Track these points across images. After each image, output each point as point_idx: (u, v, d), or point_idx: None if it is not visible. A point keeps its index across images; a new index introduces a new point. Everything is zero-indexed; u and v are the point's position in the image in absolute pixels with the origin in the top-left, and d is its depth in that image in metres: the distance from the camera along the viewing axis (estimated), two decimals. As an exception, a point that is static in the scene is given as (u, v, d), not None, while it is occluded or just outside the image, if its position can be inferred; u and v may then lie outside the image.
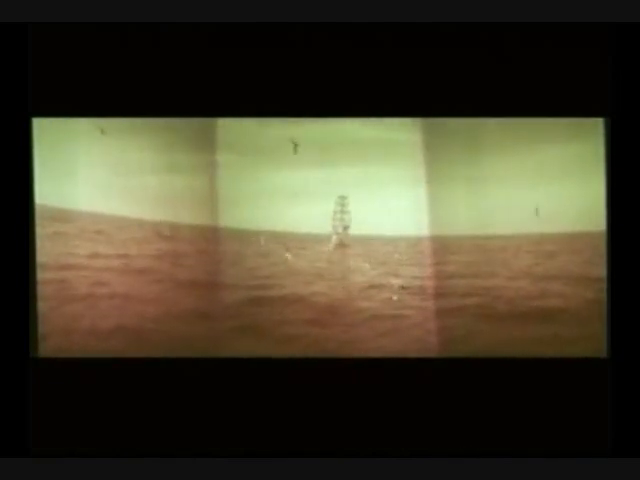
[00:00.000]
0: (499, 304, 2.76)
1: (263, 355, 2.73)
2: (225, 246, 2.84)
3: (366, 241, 2.93)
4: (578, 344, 2.69)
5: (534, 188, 2.76)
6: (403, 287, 2.83)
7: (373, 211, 2.84)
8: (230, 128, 2.79)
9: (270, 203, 2.84)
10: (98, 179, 2.81)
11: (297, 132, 2.78)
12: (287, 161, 2.81)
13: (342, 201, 2.85)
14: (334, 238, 2.93)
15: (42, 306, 2.74)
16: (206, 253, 2.83)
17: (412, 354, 2.73)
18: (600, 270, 2.68)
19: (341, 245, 2.94)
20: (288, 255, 2.90)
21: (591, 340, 2.67)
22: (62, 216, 2.81)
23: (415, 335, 2.76)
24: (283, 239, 2.91)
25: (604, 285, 2.67)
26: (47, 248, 2.76)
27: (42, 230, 2.74)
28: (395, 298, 2.82)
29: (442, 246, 2.82)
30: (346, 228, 2.90)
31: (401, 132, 2.77)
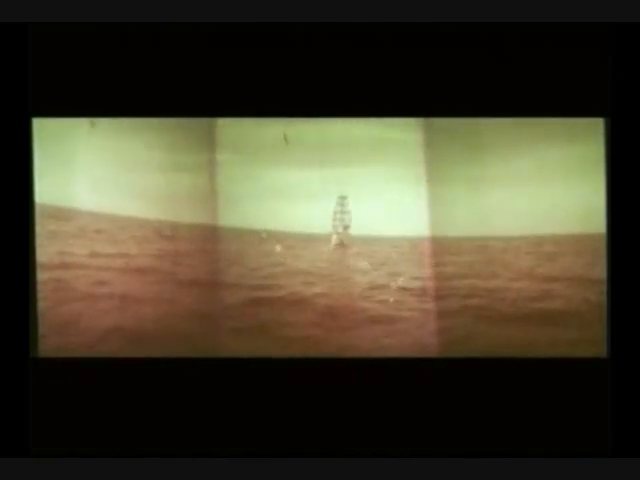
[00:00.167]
0: (500, 305, 2.76)
1: (263, 355, 2.73)
2: (225, 245, 2.84)
3: (366, 241, 2.93)
4: (579, 345, 2.68)
5: (534, 188, 2.76)
6: (404, 288, 2.83)
7: (373, 211, 2.84)
8: (230, 128, 2.78)
9: (270, 203, 2.83)
10: (98, 178, 2.81)
11: (297, 132, 2.78)
12: (287, 161, 2.81)
13: (342, 201, 2.85)
14: (334, 238, 2.93)
15: (41, 306, 2.74)
16: (206, 252, 2.83)
17: (412, 354, 2.73)
18: (601, 271, 2.68)
19: (341, 245, 2.94)
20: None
21: (592, 341, 2.67)
22: (62, 215, 2.81)
23: (415, 336, 2.76)
24: (281, 237, 2.91)
25: (604, 285, 2.67)
26: (47, 247, 2.76)
27: (42, 229, 2.75)
28: (395, 299, 2.82)
29: (442, 246, 2.82)
30: (346, 228, 2.90)
31: (401, 132, 2.77)
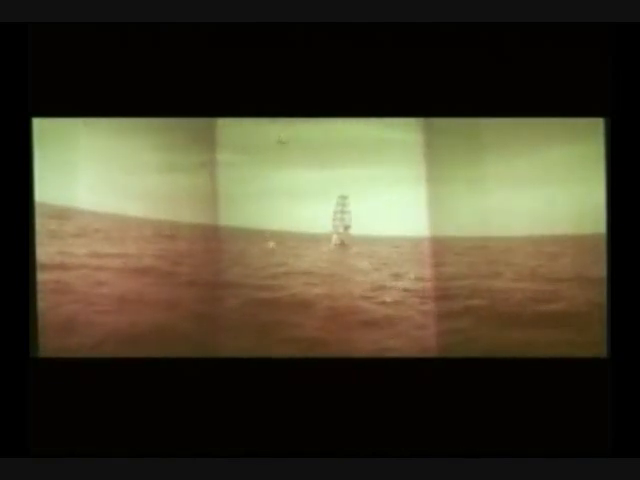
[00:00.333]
0: (501, 306, 2.76)
1: (263, 355, 2.73)
2: (225, 245, 2.84)
3: (367, 241, 2.93)
4: (581, 346, 2.68)
5: (535, 189, 2.76)
6: (406, 289, 2.83)
7: (374, 211, 2.84)
8: (230, 128, 2.78)
9: (270, 203, 2.83)
10: (98, 178, 2.81)
11: (298, 132, 2.78)
12: (287, 161, 2.81)
13: (343, 201, 2.85)
14: (335, 238, 2.93)
15: (41, 306, 2.73)
16: (206, 252, 2.83)
17: (413, 354, 2.73)
18: (601, 271, 2.68)
19: (342, 245, 2.94)
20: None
21: (592, 341, 2.67)
22: (62, 215, 2.80)
23: (416, 336, 2.76)
24: (281, 238, 2.91)
25: (604, 285, 2.67)
26: (47, 247, 2.76)
27: (42, 229, 2.74)
28: (396, 299, 2.82)
29: (443, 246, 2.82)
30: (347, 228, 2.90)
31: (402, 132, 2.77)
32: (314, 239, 2.93)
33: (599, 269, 2.69)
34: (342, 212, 2.87)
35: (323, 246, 2.93)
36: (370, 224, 2.88)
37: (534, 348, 2.70)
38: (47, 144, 2.74)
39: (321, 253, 2.93)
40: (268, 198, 2.83)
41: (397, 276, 2.86)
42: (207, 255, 2.82)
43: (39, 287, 2.73)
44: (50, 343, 2.73)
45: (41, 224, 2.73)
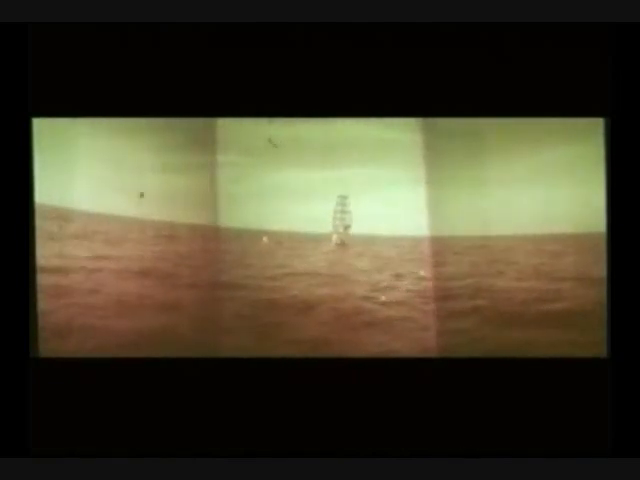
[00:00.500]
0: (502, 305, 2.76)
1: (263, 355, 2.73)
2: (225, 246, 2.84)
3: (367, 241, 2.93)
4: (584, 345, 2.68)
5: (535, 188, 2.76)
6: (407, 289, 2.82)
7: (374, 211, 2.84)
8: (230, 128, 2.78)
9: (270, 203, 2.83)
10: (98, 179, 2.81)
11: (297, 132, 2.78)
12: (288, 161, 2.81)
13: (343, 201, 2.85)
14: (335, 238, 2.93)
15: (41, 307, 2.73)
16: (206, 253, 2.83)
17: (414, 354, 2.73)
18: (601, 271, 2.68)
19: (342, 245, 2.94)
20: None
21: (593, 341, 2.67)
22: (62, 216, 2.80)
23: (419, 337, 2.76)
24: (280, 238, 2.91)
25: (604, 286, 2.66)
26: (47, 247, 2.75)
27: (42, 229, 2.74)
28: (398, 299, 2.82)
29: (443, 246, 2.82)
30: (347, 228, 2.90)
31: (402, 132, 2.77)
32: (314, 239, 2.93)
33: (600, 268, 2.69)
34: (342, 212, 2.87)
35: (323, 246, 2.93)
36: (370, 224, 2.88)
37: (538, 348, 2.70)
38: (46, 145, 2.73)
39: (322, 253, 2.93)
40: (268, 198, 2.83)
41: (399, 276, 2.86)
42: (207, 256, 2.82)
43: (39, 288, 2.73)
44: (48, 343, 2.73)
45: (41, 225, 2.73)
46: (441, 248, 2.81)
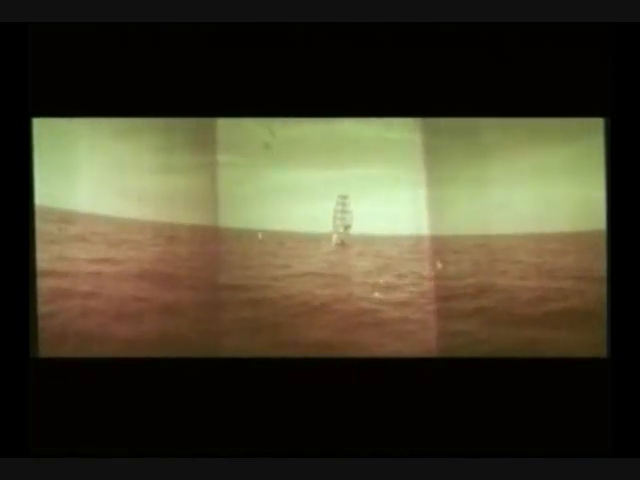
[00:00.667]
0: (503, 304, 2.76)
1: (263, 355, 2.73)
2: (226, 247, 2.84)
3: (368, 240, 2.93)
4: (587, 345, 2.68)
5: (535, 187, 2.76)
6: (409, 289, 2.82)
7: (374, 211, 2.84)
8: (230, 128, 2.78)
9: (271, 203, 2.83)
10: (98, 180, 2.81)
11: (297, 132, 2.78)
12: (288, 161, 2.81)
13: (343, 200, 2.85)
14: (335, 237, 2.93)
15: (41, 307, 2.73)
16: (207, 255, 2.82)
17: (415, 354, 2.73)
18: (601, 270, 2.68)
19: (342, 244, 2.94)
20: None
21: (594, 341, 2.67)
22: (62, 217, 2.80)
23: (419, 336, 2.76)
24: (281, 238, 2.91)
25: (604, 286, 2.67)
26: (47, 248, 2.75)
27: (42, 230, 2.74)
28: (400, 299, 2.82)
29: (444, 246, 2.82)
30: (347, 227, 2.90)
31: (402, 132, 2.77)
32: (315, 239, 2.93)
33: (599, 268, 2.68)
34: (342, 212, 2.87)
35: (324, 246, 2.93)
36: (371, 223, 2.88)
37: (540, 347, 2.70)
38: (46, 146, 2.73)
39: (322, 253, 2.93)
40: (268, 198, 2.83)
41: (400, 276, 2.86)
42: (208, 257, 2.82)
43: (39, 288, 2.73)
44: (48, 345, 2.73)
45: (40, 227, 2.73)
46: (442, 247, 2.81)
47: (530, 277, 2.79)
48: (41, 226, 2.73)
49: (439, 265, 2.79)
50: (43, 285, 2.73)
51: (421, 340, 2.75)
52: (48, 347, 2.73)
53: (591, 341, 2.67)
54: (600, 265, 2.68)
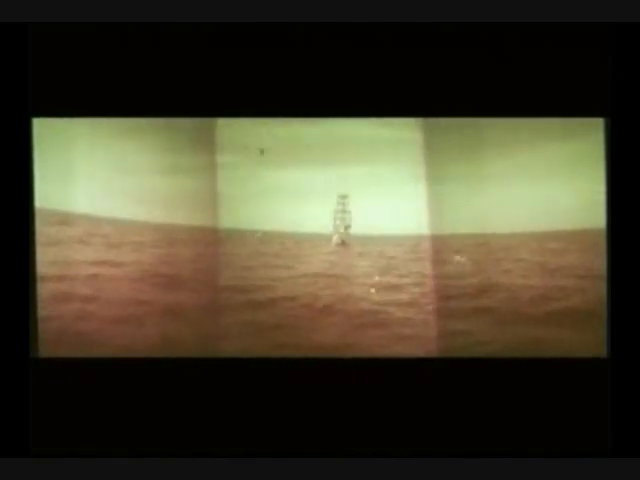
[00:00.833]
0: (506, 304, 2.75)
1: (263, 355, 2.73)
2: (226, 247, 2.83)
3: (368, 240, 2.92)
4: (589, 344, 2.68)
5: (535, 186, 2.76)
6: (411, 289, 2.82)
7: (375, 210, 2.84)
8: (230, 128, 2.78)
9: (271, 203, 2.83)
10: (97, 181, 2.80)
11: (297, 132, 2.78)
12: (288, 161, 2.81)
13: (343, 200, 2.85)
14: (335, 237, 2.93)
15: (41, 308, 2.73)
16: (207, 255, 2.82)
17: (418, 354, 2.73)
18: (601, 269, 2.68)
19: (343, 244, 2.94)
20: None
21: (596, 340, 2.67)
22: (62, 219, 2.80)
23: (420, 335, 2.76)
24: (281, 238, 2.91)
25: (604, 285, 2.67)
26: (46, 249, 2.75)
27: (42, 231, 2.74)
28: (401, 299, 2.82)
29: (444, 245, 2.81)
30: (347, 227, 2.90)
31: (402, 131, 2.77)
32: (315, 239, 2.93)
33: (599, 267, 2.68)
34: (342, 212, 2.87)
35: (324, 246, 2.93)
36: (370, 223, 2.88)
37: (544, 347, 2.69)
38: (46, 148, 2.73)
39: (323, 254, 2.93)
40: (268, 199, 2.82)
41: (402, 276, 2.86)
42: (208, 259, 2.82)
43: (39, 289, 2.73)
44: (48, 346, 2.73)
45: (40, 226, 2.73)
46: (442, 246, 2.81)
47: (532, 276, 2.79)
48: (41, 228, 2.72)
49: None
50: (43, 286, 2.73)
51: (424, 340, 2.75)
52: (48, 348, 2.73)
53: (592, 340, 2.67)
54: (600, 264, 2.68)
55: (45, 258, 2.74)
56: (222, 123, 2.77)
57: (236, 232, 2.85)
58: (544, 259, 2.82)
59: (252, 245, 2.89)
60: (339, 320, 2.79)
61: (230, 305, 2.79)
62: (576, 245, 2.76)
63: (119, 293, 2.78)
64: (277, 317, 2.78)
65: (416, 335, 2.76)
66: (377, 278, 2.86)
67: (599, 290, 2.68)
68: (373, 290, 2.82)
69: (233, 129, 2.78)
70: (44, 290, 2.73)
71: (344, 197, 2.84)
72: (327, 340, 2.76)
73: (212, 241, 2.82)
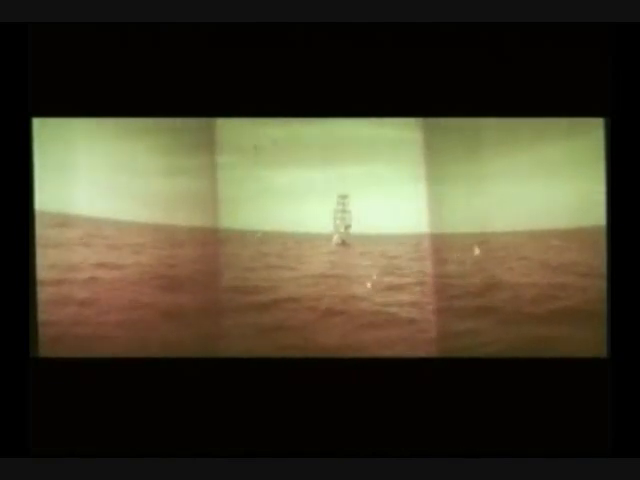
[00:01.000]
0: (509, 303, 2.75)
1: (263, 355, 2.73)
2: (226, 248, 2.83)
3: (368, 240, 2.92)
4: (585, 344, 2.68)
5: (534, 185, 2.76)
6: (412, 289, 2.82)
7: (375, 210, 2.84)
8: (230, 129, 2.78)
9: (271, 203, 2.83)
10: (97, 182, 2.80)
11: (297, 132, 2.78)
12: (288, 161, 2.81)
13: (343, 200, 2.85)
14: (336, 237, 2.93)
15: (41, 311, 2.73)
16: (207, 256, 2.82)
17: (421, 354, 2.73)
18: (601, 267, 2.68)
19: (343, 244, 2.94)
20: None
21: (596, 340, 2.67)
22: (62, 220, 2.80)
23: (423, 335, 2.76)
24: (282, 238, 2.91)
25: (604, 284, 2.66)
26: (47, 250, 2.75)
27: (42, 231, 2.73)
28: (403, 299, 2.82)
29: (444, 244, 2.81)
30: (347, 227, 2.90)
31: (402, 131, 2.77)
32: (315, 239, 2.93)
33: (599, 266, 2.68)
34: (342, 211, 2.87)
35: (325, 246, 2.93)
36: (370, 222, 2.88)
37: (547, 346, 2.69)
38: (45, 149, 2.73)
39: (324, 254, 2.93)
40: (269, 199, 2.82)
41: (403, 275, 2.86)
42: (209, 259, 2.82)
43: (39, 290, 2.73)
44: (47, 347, 2.73)
45: (40, 227, 2.73)
46: (443, 245, 2.81)
47: (534, 274, 2.78)
48: (41, 230, 2.72)
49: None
50: (43, 286, 2.73)
51: (426, 340, 2.74)
52: (48, 348, 2.73)
53: (592, 340, 2.67)
54: (600, 263, 2.67)
55: (45, 261, 2.74)
56: (222, 123, 2.77)
57: (236, 232, 2.85)
58: (546, 256, 2.81)
59: (253, 246, 2.89)
60: (341, 321, 2.79)
61: (232, 306, 2.79)
62: (576, 244, 2.76)
63: (120, 296, 2.78)
64: (279, 318, 2.78)
65: (418, 335, 2.76)
66: (378, 278, 2.86)
67: (599, 289, 2.68)
68: (369, 285, 2.81)
69: (233, 129, 2.78)
70: (44, 293, 2.73)
71: (344, 197, 2.84)
72: (330, 341, 2.76)
73: (213, 242, 2.82)
